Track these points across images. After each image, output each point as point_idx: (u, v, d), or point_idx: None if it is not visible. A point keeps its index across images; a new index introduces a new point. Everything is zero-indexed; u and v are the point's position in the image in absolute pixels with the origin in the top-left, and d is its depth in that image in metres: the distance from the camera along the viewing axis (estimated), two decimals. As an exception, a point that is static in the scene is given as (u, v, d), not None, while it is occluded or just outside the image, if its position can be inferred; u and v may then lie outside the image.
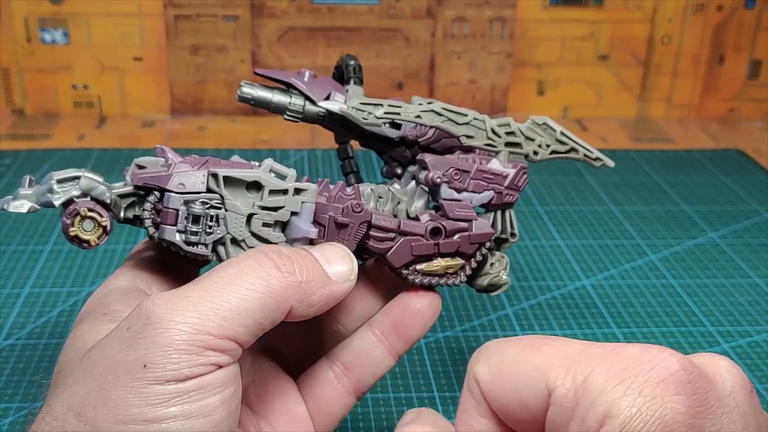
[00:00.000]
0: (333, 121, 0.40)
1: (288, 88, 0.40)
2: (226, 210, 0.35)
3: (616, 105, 1.01)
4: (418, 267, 0.40)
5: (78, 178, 0.34)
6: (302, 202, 0.36)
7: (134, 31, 0.92)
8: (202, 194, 0.35)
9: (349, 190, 0.38)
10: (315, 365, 0.40)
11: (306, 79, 0.40)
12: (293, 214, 0.36)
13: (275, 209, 0.36)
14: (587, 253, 0.69)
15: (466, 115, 0.41)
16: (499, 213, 0.42)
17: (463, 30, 0.95)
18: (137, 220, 0.36)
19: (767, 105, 1.02)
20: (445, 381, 0.53)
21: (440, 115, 0.40)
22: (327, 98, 0.40)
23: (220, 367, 0.30)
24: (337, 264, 0.35)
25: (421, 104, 0.41)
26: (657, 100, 1.01)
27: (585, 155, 0.44)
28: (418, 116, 0.40)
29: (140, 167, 0.36)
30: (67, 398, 0.30)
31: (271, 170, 0.36)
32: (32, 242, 0.67)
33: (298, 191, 0.36)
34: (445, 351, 0.56)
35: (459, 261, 0.40)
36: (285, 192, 0.36)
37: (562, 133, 0.43)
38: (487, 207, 0.42)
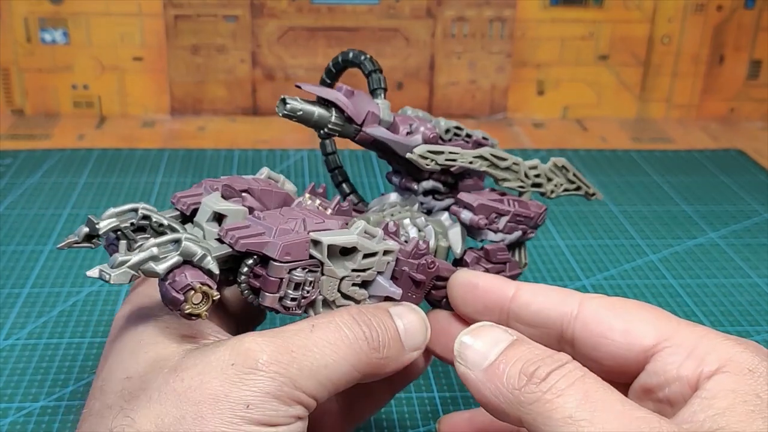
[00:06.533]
0: (367, 141, 0.40)
1: (325, 103, 0.39)
2: (323, 274, 0.35)
3: (616, 105, 1.01)
4: None
5: (179, 241, 0.32)
6: (388, 262, 0.37)
7: (134, 31, 0.92)
8: (303, 261, 0.34)
9: (423, 244, 0.38)
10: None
11: (344, 96, 0.39)
12: (378, 273, 0.37)
13: (364, 270, 0.36)
14: (587, 253, 0.69)
15: (506, 159, 0.43)
16: (516, 247, 0.44)
17: (463, 30, 0.95)
18: (229, 276, 0.35)
19: (767, 105, 1.02)
20: (445, 381, 0.53)
21: (487, 160, 0.43)
22: (365, 119, 0.39)
23: (300, 418, 0.32)
24: (415, 336, 0.37)
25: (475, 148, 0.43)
26: (657, 100, 1.01)
27: (585, 191, 0.48)
28: (471, 162, 0.42)
29: (219, 215, 0.35)
30: (156, 416, 0.31)
31: (365, 232, 0.36)
32: (32, 242, 0.67)
33: (386, 252, 0.37)
34: (445, 351, 0.56)
35: None
36: (375, 254, 0.36)
37: (574, 174, 0.47)
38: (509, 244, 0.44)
